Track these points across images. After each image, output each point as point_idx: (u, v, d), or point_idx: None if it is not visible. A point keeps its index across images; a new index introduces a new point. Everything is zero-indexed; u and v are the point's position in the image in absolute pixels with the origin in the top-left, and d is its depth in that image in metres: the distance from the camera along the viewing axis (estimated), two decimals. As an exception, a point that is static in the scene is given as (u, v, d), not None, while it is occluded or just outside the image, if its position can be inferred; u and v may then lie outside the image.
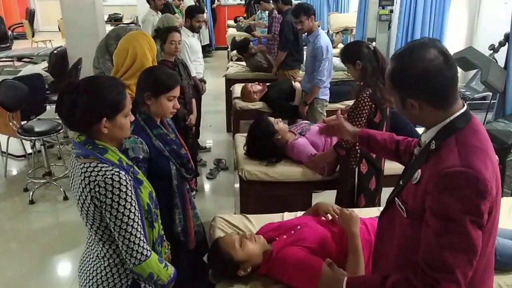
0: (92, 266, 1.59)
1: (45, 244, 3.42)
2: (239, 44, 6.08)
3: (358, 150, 2.66)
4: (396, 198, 1.40)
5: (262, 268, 1.89)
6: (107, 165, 1.47)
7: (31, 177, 4.30)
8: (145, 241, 1.53)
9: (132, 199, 1.48)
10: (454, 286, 1.18)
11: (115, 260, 1.56)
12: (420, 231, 1.26)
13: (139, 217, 1.51)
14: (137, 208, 1.50)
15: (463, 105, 1.30)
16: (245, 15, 10.08)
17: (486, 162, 1.21)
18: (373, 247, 1.68)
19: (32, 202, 3.96)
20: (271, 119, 3.13)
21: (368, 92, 2.54)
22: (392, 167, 2.68)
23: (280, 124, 3.10)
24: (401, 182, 1.42)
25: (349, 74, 2.69)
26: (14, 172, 4.70)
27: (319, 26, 4.17)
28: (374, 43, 2.66)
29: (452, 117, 1.28)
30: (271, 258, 1.87)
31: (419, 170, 1.30)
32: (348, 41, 8.02)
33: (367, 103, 2.55)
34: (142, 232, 1.52)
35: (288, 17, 4.80)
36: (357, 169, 2.67)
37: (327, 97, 4.12)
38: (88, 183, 1.44)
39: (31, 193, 4.00)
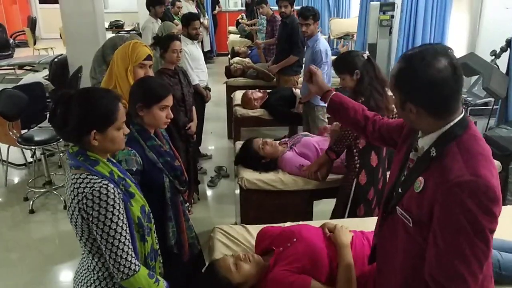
0: (83, 278, 1.58)
1: (45, 254, 3.41)
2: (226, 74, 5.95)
3: (357, 163, 2.64)
4: (397, 207, 1.38)
5: (260, 286, 1.87)
6: (96, 177, 1.45)
7: (31, 186, 4.29)
8: (133, 255, 1.50)
9: (120, 212, 1.45)
10: None
11: (104, 273, 1.54)
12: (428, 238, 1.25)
13: (127, 231, 1.48)
14: (125, 222, 1.47)
15: (462, 111, 1.29)
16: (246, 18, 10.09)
17: (491, 169, 1.21)
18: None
19: (32, 211, 3.96)
20: (258, 142, 3.08)
21: (360, 101, 2.50)
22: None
23: (266, 148, 3.06)
24: (400, 190, 1.39)
25: (342, 83, 2.64)
26: (15, 181, 4.70)
27: (320, 32, 4.16)
28: (367, 53, 2.64)
29: (451, 124, 1.27)
30: (267, 278, 1.85)
31: (421, 178, 1.28)
32: (350, 46, 8.03)
33: None
34: (131, 246, 1.49)
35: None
36: (355, 180, 2.65)
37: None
38: (76, 194, 1.43)
39: (31, 203, 3.99)
